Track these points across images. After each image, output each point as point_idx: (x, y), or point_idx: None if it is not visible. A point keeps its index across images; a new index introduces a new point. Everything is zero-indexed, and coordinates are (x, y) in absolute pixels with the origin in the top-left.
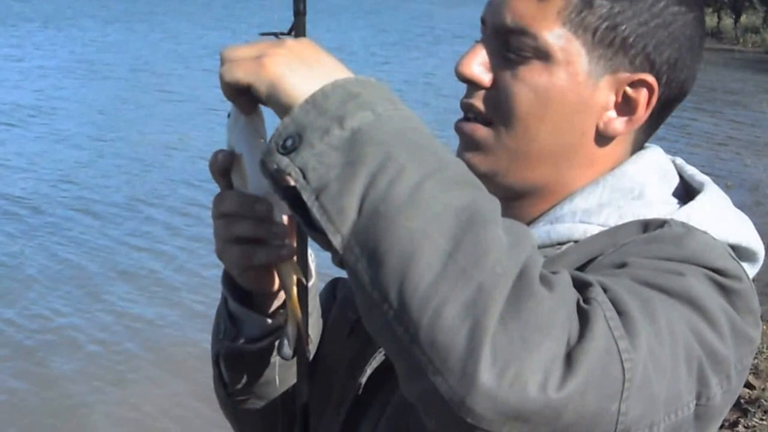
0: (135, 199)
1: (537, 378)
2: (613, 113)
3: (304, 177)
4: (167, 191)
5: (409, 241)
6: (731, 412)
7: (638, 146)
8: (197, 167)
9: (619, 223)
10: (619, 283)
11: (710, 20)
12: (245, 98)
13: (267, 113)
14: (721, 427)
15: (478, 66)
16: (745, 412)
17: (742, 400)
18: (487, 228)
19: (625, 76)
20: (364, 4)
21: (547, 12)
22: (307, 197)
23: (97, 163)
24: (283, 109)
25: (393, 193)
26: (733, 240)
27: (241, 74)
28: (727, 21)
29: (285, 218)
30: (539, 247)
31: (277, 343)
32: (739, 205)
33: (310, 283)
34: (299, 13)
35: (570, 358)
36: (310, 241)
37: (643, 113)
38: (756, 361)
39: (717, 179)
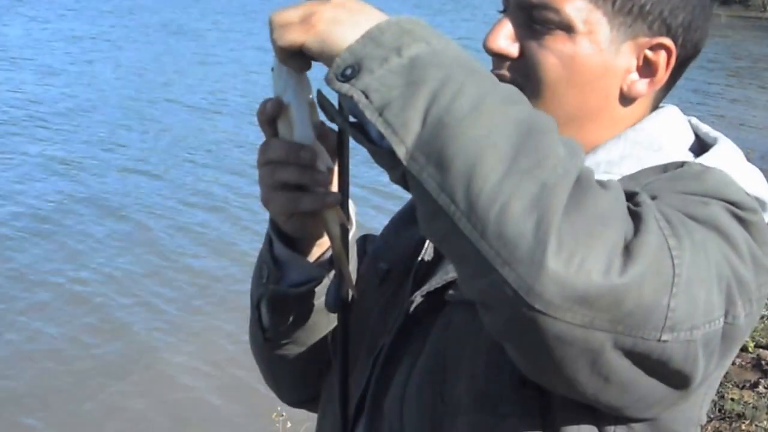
0: (189, 161)
1: (601, 264)
2: (635, 75)
3: (367, 97)
4: (221, 153)
5: (473, 146)
6: (752, 371)
7: (657, 104)
8: (243, 130)
9: (647, 168)
10: (658, 203)
11: None
12: (299, 58)
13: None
14: (743, 387)
15: (505, 39)
16: (765, 373)
17: (763, 362)
18: (546, 136)
19: (645, 40)
20: None
21: None
22: (370, 114)
23: (142, 126)
24: (333, 55)
25: (455, 106)
26: (750, 190)
27: (292, 37)
28: None
29: (330, 166)
30: None
31: (326, 289)
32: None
33: (351, 232)
34: None
35: (628, 249)
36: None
37: (663, 74)
38: None
39: (742, 148)
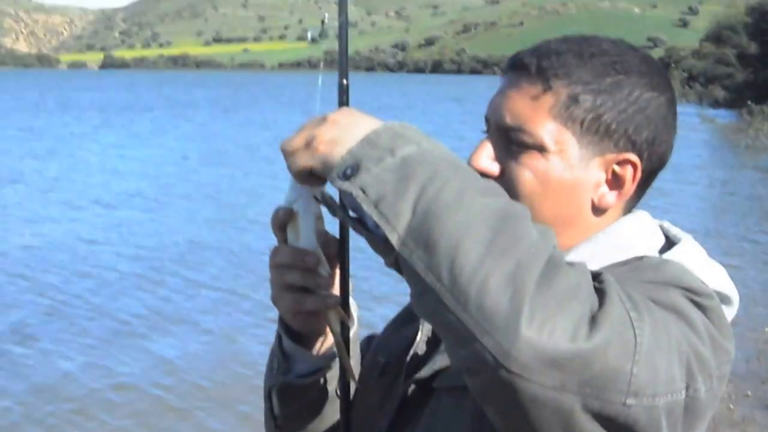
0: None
1: (569, 330)
2: (605, 188)
3: (364, 192)
4: None
5: (456, 230)
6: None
7: (628, 211)
8: None
9: (610, 264)
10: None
11: None
12: (313, 178)
13: None
14: None
15: (487, 159)
16: None
17: None
18: (520, 221)
19: (612, 156)
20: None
21: (540, 110)
22: (367, 207)
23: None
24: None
25: (441, 197)
26: (709, 283)
27: (301, 163)
28: None
29: (330, 271)
30: None
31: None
32: None
33: (353, 329)
34: (342, 104)
35: (594, 319)
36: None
37: (630, 187)
38: None
39: None
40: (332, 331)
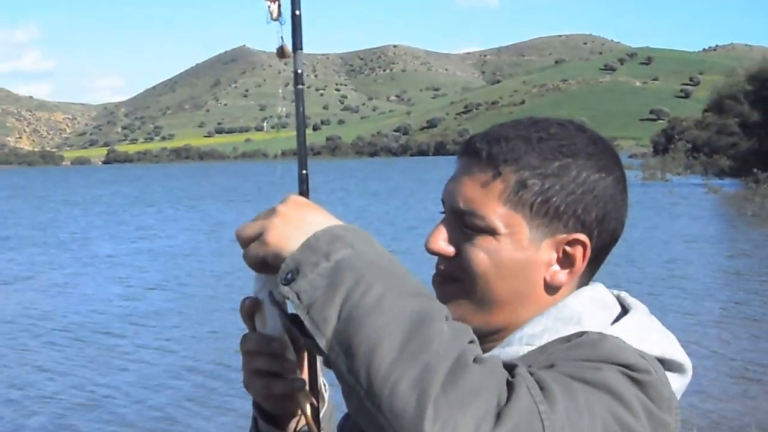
0: None
1: (470, 429)
2: (557, 267)
3: (299, 298)
4: None
5: (374, 335)
6: None
7: (583, 286)
8: None
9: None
10: (545, 372)
11: None
12: (268, 266)
13: None
14: None
15: (443, 241)
16: None
17: None
18: (433, 323)
19: (562, 237)
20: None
21: (491, 196)
22: (300, 313)
23: None
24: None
25: (362, 303)
26: (657, 352)
27: (254, 254)
28: None
29: (296, 355)
30: None
31: None
32: None
33: (323, 409)
34: (302, 192)
35: (499, 416)
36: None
37: (581, 265)
38: None
39: None
40: (303, 412)
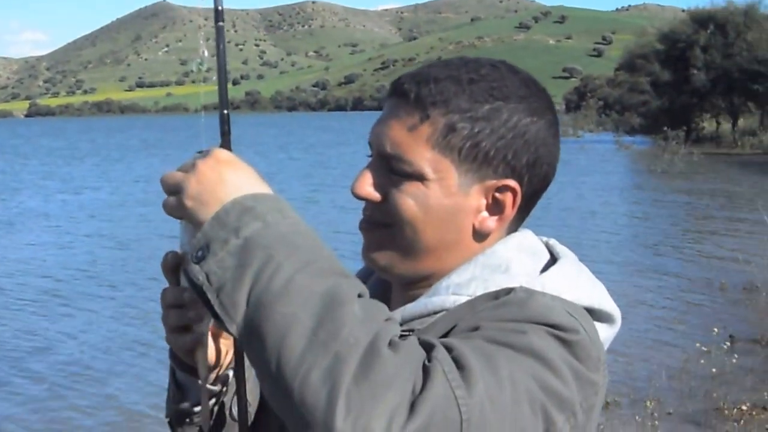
0: None
1: (382, 423)
2: (486, 213)
3: (208, 280)
4: None
5: (282, 323)
6: None
7: (512, 232)
8: None
9: (484, 293)
10: (467, 343)
11: (709, 125)
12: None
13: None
14: None
15: (369, 186)
16: None
17: None
18: (344, 306)
19: (492, 183)
20: None
21: (418, 139)
22: (211, 296)
23: None
24: (200, 226)
25: (271, 286)
26: (586, 303)
27: (171, 210)
28: (726, 126)
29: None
30: (418, 318)
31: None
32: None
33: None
34: (224, 133)
35: (413, 406)
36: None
37: (510, 211)
38: None
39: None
40: (198, 365)
